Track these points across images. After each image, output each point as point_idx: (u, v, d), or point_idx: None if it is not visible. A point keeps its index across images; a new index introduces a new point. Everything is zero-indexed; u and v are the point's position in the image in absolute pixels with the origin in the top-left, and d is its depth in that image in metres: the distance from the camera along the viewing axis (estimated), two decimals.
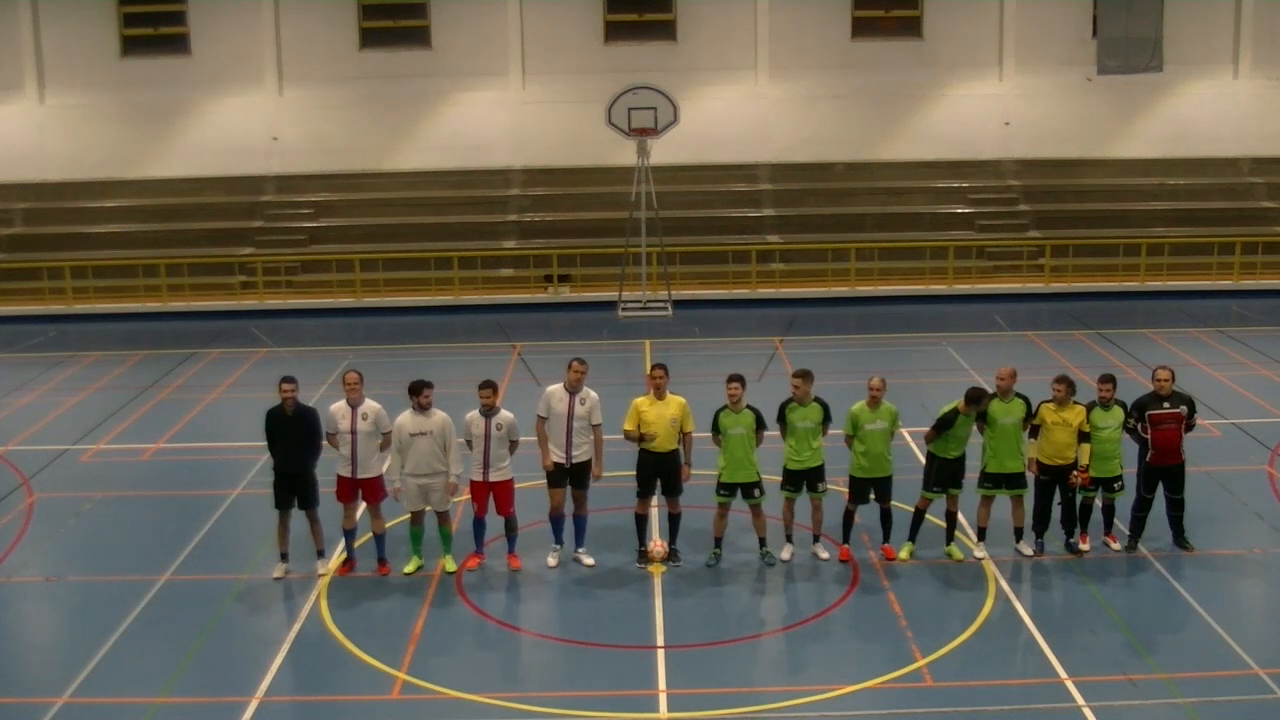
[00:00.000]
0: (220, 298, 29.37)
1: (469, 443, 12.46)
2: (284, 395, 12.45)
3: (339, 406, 12.56)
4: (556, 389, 12.63)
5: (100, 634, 11.28)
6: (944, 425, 12.48)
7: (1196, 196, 32.26)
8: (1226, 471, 14.92)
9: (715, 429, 12.52)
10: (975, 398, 12.46)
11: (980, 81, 32.92)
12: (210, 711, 9.96)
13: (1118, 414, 12.55)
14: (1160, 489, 12.73)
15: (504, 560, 12.73)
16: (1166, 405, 12.53)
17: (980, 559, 12.67)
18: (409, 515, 12.64)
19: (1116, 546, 12.83)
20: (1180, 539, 12.88)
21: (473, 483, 12.55)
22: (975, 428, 12.66)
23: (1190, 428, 12.70)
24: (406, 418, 12.37)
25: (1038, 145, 32.89)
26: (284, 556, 12.63)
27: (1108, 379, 12.67)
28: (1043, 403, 12.56)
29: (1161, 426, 12.47)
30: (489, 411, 12.39)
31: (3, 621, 11.99)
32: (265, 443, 12.64)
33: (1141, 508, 12.77)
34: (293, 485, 12.50)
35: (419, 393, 12.36)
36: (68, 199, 32.37)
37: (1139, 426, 12.53)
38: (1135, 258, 29.46)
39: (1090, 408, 12.56)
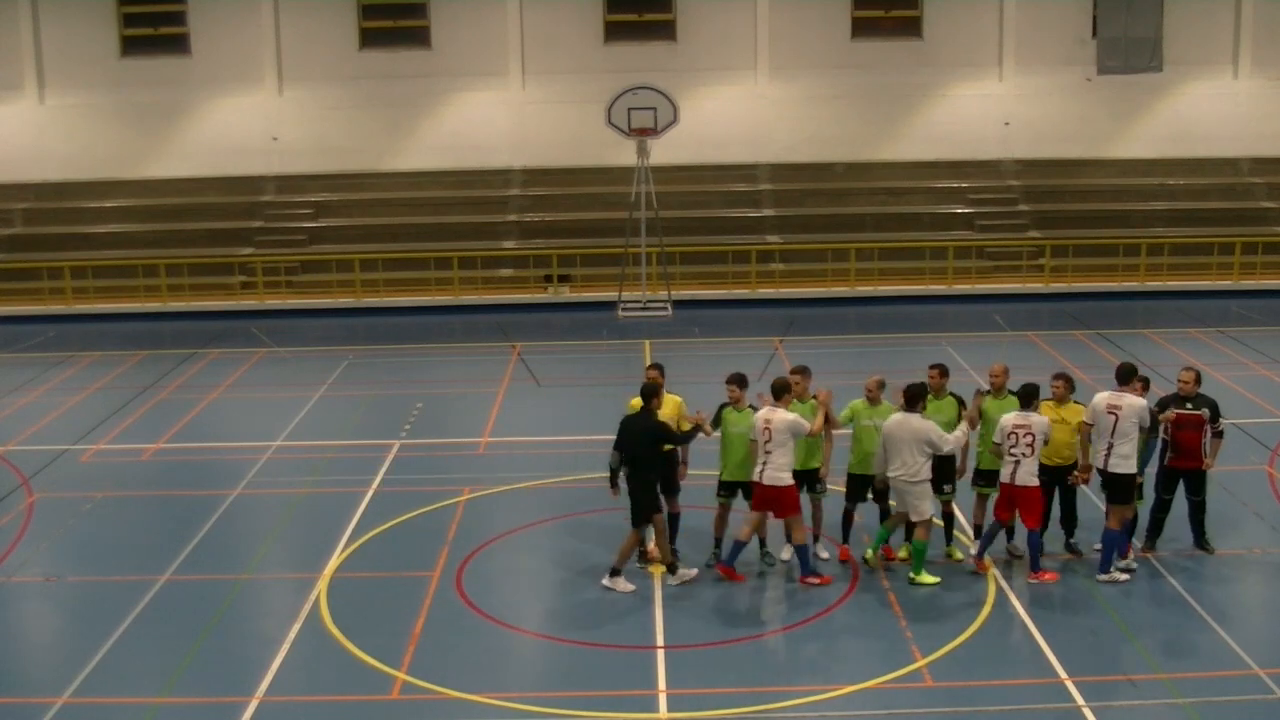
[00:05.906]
0: (220, 298, 29.37)
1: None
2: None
3: None
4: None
5: (100, 634, 11.27)
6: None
7: (1196, 196, 32.26)
8: (1226, 471, 14.84)
9: (716, 422, 12.46)
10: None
11: (980, 81, 32.92)
12: (210, 711, 9.96)
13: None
14: (1181, 490, 12.64)
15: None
16: (1189, 406, 12.44)
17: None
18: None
19: None
20: (1201, 540, 12.80)
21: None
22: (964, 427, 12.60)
23: (1219, 434, 12.53)
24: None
25: (1037, 145, 32.89)
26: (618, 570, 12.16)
27: (1139, 380, 12.47)
28: (1042, 401, 12.50)
29: (1183, 428, 12.39)
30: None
31: (3, 621, 12.00)
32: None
33: (1161, 509, 12.69)
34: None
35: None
36: (68, 199, 32.36)
37: (1160, 427, 12.40)
38: (1135, 258, 29.46)
39: None
